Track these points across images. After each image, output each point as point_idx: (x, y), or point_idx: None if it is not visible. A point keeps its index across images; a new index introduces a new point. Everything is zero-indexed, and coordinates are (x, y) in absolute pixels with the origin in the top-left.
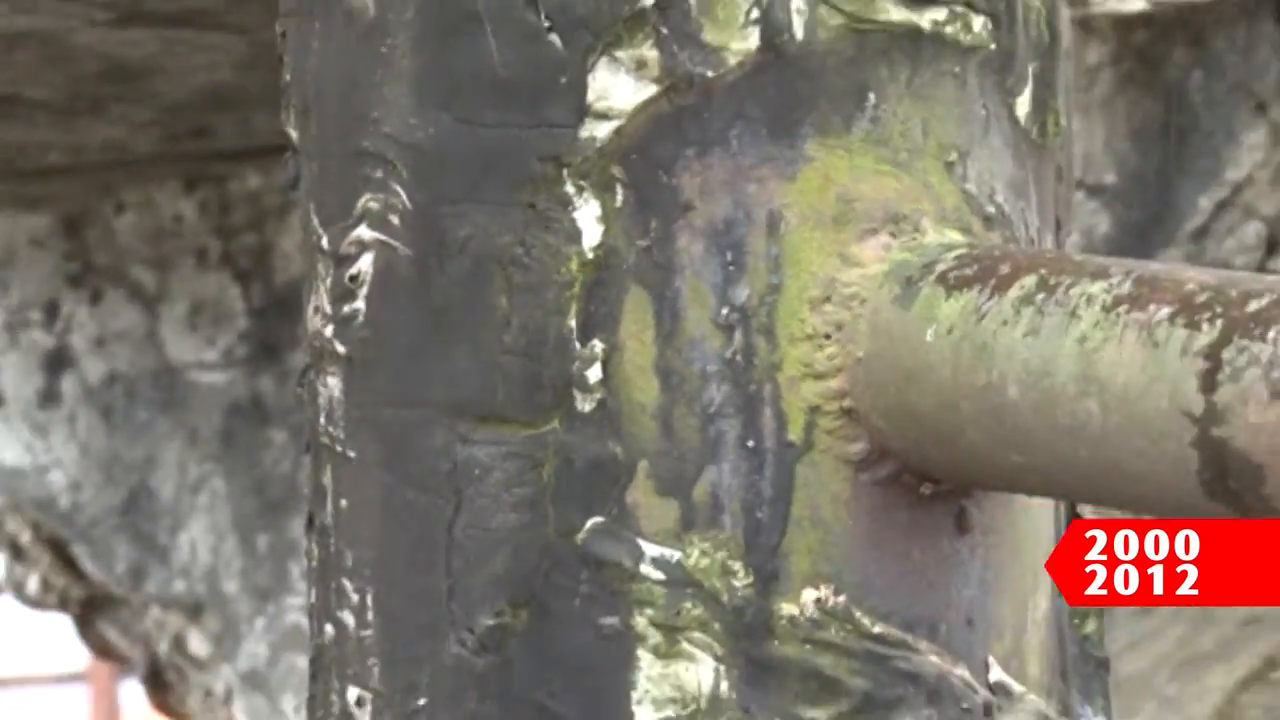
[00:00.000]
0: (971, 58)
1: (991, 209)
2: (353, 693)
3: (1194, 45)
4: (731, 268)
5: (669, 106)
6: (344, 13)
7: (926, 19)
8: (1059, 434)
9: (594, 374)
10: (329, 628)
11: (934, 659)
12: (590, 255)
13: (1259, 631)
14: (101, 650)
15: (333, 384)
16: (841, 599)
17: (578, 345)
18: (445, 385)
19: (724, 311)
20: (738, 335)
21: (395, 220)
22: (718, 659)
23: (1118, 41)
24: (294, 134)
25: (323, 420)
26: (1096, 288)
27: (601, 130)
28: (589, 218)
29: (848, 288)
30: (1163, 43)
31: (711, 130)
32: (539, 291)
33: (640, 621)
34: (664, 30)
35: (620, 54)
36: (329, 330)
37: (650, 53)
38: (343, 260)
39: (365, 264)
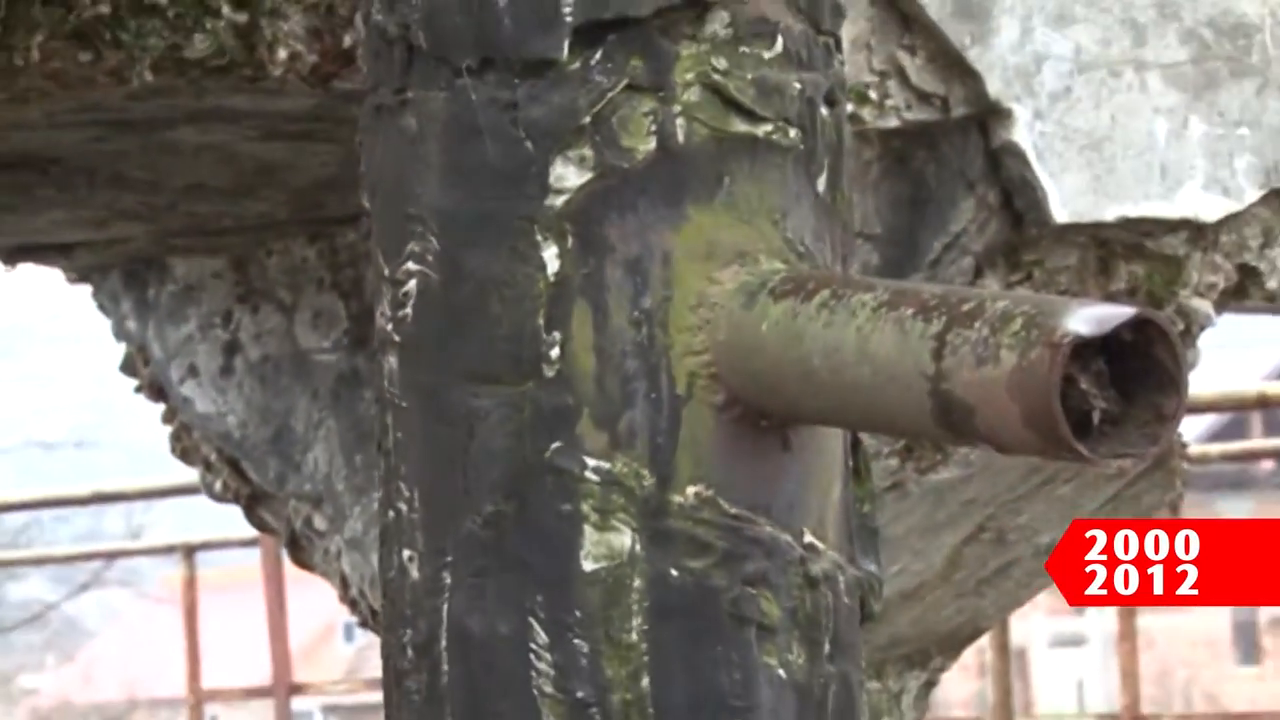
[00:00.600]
0: (789, 154)
1: (802, 249)
2: (406, 553)
3: (930, 148)
4: (640, 286)
5: (600, 186)
6: (397, 130)
7: (760, 130)
8: (845, 388)
9: (555, 353)
10: (390, 512)
11: (769, 529)
12: (552, 279)
13: (973, 509)
14: (261, 527)
15: (392, 360)
16: (710, 492)
17: (544, 335)
18: (462, 361)
19: (635, 314)
20: (644, 328)
21: (430, 258)
22: (634, 530)
23: (881, 145)
24: (368, 204)
25: (386, 383)
26: (868, 296)
27: (558, 200)
28: (551, 255)
29: (713, 298)
30: (911, 146)
31: (627, 201)
32: (520, 302)
33: (585, 508)
34: (597, 138)
35: (570, 153)
36: (389, 327)
37: (589, 152)
38: (397, 283)
39: (411, 286)
